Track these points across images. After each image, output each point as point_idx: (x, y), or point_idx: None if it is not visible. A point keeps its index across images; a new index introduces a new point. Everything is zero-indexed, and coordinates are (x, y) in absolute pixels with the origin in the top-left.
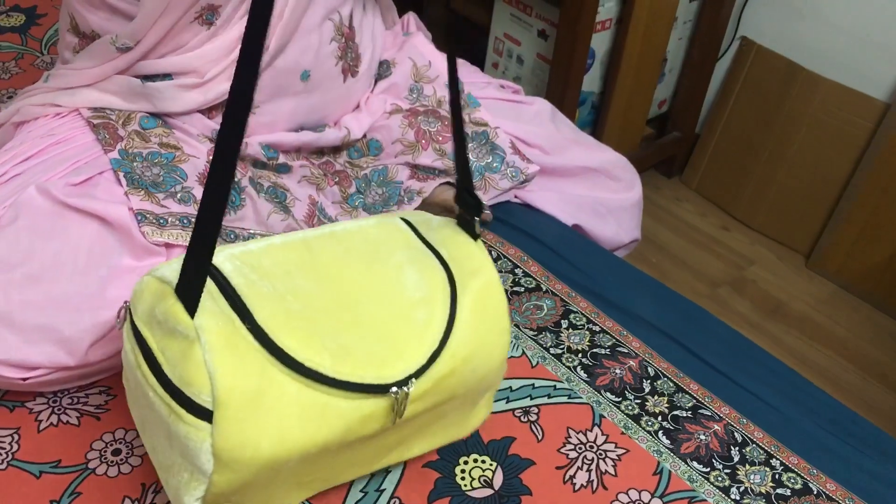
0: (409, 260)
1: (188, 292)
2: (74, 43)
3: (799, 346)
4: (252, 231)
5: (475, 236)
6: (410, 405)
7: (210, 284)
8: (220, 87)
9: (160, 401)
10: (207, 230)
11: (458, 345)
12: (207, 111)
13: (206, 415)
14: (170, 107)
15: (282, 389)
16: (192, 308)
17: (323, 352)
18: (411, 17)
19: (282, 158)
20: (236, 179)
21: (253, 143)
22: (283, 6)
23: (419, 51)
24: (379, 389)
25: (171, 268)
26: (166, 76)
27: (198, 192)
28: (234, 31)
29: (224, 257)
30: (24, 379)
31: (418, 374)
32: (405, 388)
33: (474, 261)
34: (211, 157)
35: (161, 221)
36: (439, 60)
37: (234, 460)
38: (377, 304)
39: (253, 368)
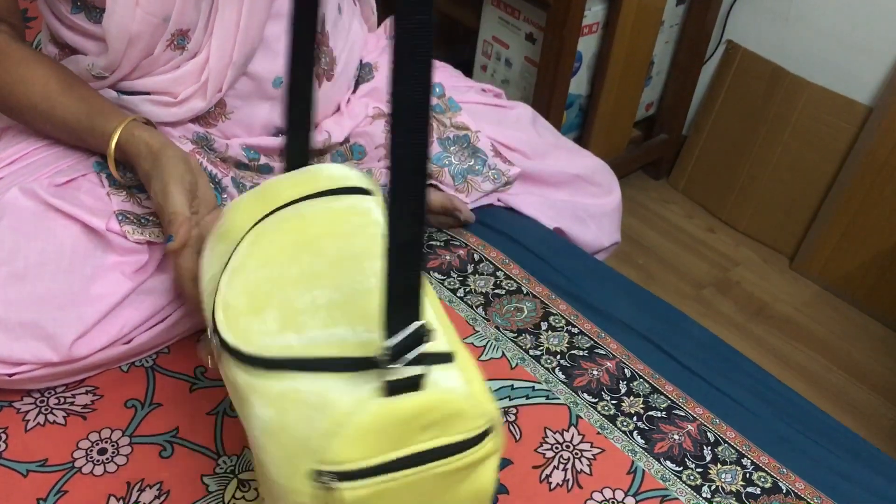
0: (363, 318)
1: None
2: (55, 53)
3: (782, 347)
4: None
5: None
6: (223, 367)
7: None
8: (193, 105)
9: None
10: None
11: (268, 398)
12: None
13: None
14: (147, 117)
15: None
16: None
17: (254, 252)
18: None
19: (263, 159)
20: (217, 179)
21: (234, 144)
22: (238, 16)
23: None
24: (212, 311)
25: None
26: (142, 93)
27: None
28: (203, 53)
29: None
30: (10, 375)
31: (223, 344)
32: (213, 337)
33: (357, 397)
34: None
35: (143, 221)
36: None
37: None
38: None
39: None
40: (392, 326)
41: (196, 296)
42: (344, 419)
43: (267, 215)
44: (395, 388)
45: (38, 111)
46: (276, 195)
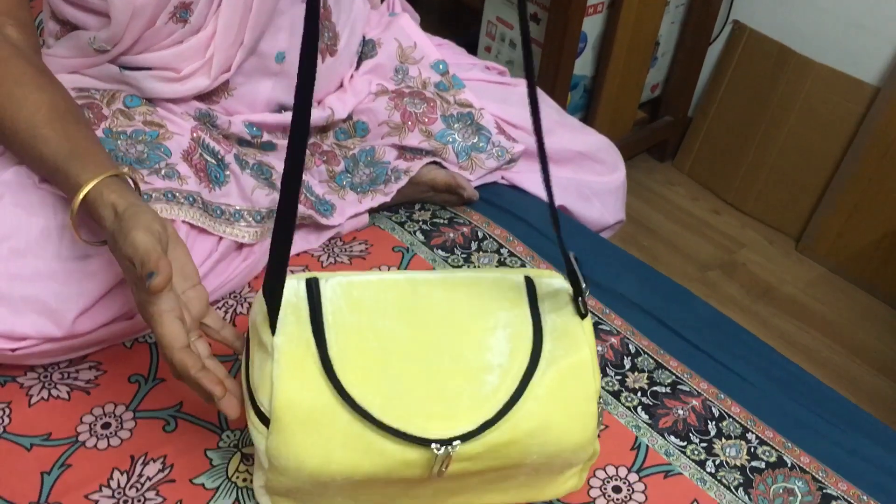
0: (506, 324)
1: (272, 315)
2: (56, 30)
3: (788, 329)
4: (237, 207)
5: (581, 315)
6: (459, 463)
7: (304, 307)
8: (197, 83)
9: (246, 394)
10: (279, 266)
11: (525, 417)
12: None
13: (265, 421)
14: (148, 94)
15: (334, 417)
16: (273, 327)
17: (377, 393)
18: None
19: (266, 136)
20: (220, 156)
21: (236, 121)
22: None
23: (405, 32)
24: (420, 442)
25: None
26: (144, 68)
27: (182, 168)
28: (208, 28)
29: (331, 284)
30: (13, 350)
31: (467, 437)
32: (448, 448)
33: (573, 339)
34: (194, 136)
35: (145, 197)
36: (425, 42)
37: (282, 468)
38: (452, 360)
39: (312, 392)
40: (573, 280)
41: (193, 364)
42: (590, 346)
43: (324, 357)
44: (584, 302)
45: (19, 139)
46: (308, 344)
